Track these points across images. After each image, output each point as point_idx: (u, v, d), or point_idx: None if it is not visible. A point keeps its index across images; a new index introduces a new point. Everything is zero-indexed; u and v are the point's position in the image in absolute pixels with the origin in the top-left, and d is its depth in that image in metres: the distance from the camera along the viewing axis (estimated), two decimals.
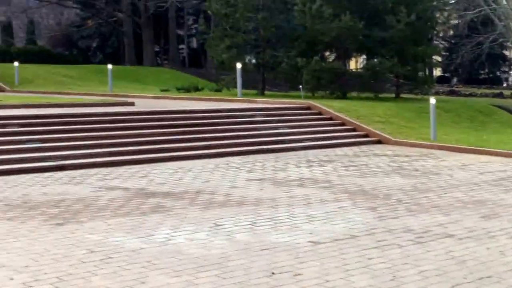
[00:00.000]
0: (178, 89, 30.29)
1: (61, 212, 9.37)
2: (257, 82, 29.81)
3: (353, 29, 26.11)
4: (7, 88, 33.49)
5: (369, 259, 7.02)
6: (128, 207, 9.77)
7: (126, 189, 11.32)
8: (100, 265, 6.81)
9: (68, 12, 56.62)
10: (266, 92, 29.18)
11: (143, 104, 21.30)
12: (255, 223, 8.73)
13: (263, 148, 16.64)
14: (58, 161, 13.71)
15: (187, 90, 29.97)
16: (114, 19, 51.42)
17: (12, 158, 13.55)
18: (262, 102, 23.16)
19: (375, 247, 7.49)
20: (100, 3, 52.06)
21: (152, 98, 26.05)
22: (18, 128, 15.29)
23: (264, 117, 19.47)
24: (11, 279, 6.37)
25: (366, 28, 26.40)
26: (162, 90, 30.50)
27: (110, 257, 7.08)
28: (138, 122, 17.08)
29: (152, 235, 8.05)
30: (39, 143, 14.56)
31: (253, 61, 30.54)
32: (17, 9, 53.28)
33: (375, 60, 29.02)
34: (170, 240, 7.82)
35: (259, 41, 28.96)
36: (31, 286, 6.16)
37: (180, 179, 12.43)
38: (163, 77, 40.88)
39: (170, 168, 13.84)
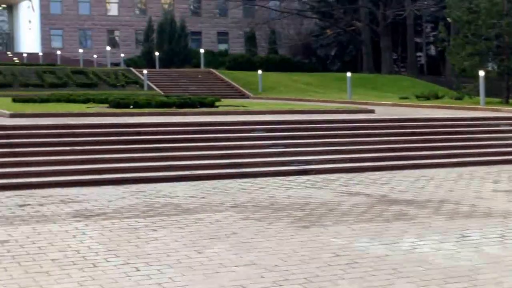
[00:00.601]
0: (417, 97, 29.89)
1: (306, 215, 9.59)
2: (500, 90, 28.57)
3: None
4: (251, 95, 35.15)
5: None
6: (371, 213, 9.78)
7: (368, 195, 11.34)
8: (347, 269, 6.87)
9: (308, 22, 58.18)
10: (511, 101, 27.84)
11: (382, 111, 21.26)
12: (505, 236, 8.33)
13: (510, 159, 15.86)
14: (301, 165, 14.08)
15: (427, 97, 29.48)
16: (352, 28, 51.93)
17: (258, 161, 14.13)
18: (507, 111, 22.13)
19: None
20: (339, 12, 52.88)
21: (391, 105, 25.96)
22: (263, 133, 15.91)
23: (509, 126, 18.58)
24: (262, 277, 6.62)
25: None
26: (401, 98, 30.27)
27: (355, 262, 7.11)
28: (379, 129, 17.06)
29: (397, 242, 7.97)
30: (283, 148, 15.04)
31: (496, 68, 29.33)
32: (260, 21, 55.73)
33: None
34: (416, 248, 7.70)
35: (503, 48, 27.74)
36: (281, 285, 6.35)
37: (422, 187, 12.22)
38: (401, 84, 40.60)
39: (411, 176, 13.66)
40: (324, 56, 55.30)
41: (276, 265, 7.01)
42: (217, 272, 6.74)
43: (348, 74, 30.43)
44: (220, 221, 9.20)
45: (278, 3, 60.80)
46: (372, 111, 20.83)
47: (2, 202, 10.51)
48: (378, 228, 8.74)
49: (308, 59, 54.99)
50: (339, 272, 6.76)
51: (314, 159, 14.53)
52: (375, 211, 9.89)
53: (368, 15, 50.47)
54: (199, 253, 7.49)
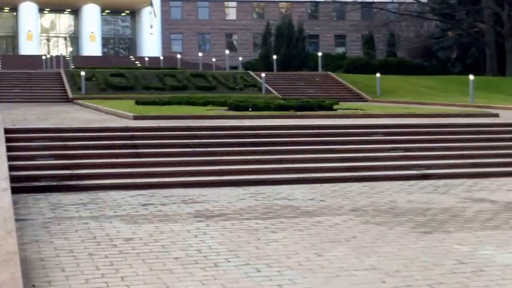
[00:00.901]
0: None
1: (428, 221, 9.36)
2: None
3: None
4: (369, 98, 34.76)
5: None
6: (496, 220, 9.42)
7: (493, 201, 10.95)
8: (472, 277, 6.65)
9: (428, 24, 57.03)
10: None
11: (507, 115, 20.53)
12: None
13: None
14: (422, 170, 13.76)
15: None
16: (475, 29, 50.42)
17: (377, 165, 13.93)
18: None
19: None
20: (461, 14, 51.50)
21: None
22: (382, 136, 15.67)
23: None
24: (383, 282, 6.51)
25: None
26: None
27: (481, 270, 6.88)
28: (504, 134, 16.46)
29: None
30: (403, 152, 14.76)
31: None
32: (378, 23, 55.13)
33: None
34: None
35: None
36: None
37: None
38: None
39: None
40: (445, 58, 53.99)
41: (397, 271, 6.87)
42: (338, 276, 6.68)
43: (471, 77, 29.59)
44: (340, 224, 9.11)
45: (397, 5, 60.01)
46: (496, 115, 20.15)
47: (127, 201, 10.83)
48: (504, 236, 8.42)
49: (428, 62, 53.85)
50: (463, 280, 6.56)
51: (435, 163, 14.17)
52: (501, 218, 9.53)
53: (492, 16, 48.85)
54: (319, 256, 7.44)
